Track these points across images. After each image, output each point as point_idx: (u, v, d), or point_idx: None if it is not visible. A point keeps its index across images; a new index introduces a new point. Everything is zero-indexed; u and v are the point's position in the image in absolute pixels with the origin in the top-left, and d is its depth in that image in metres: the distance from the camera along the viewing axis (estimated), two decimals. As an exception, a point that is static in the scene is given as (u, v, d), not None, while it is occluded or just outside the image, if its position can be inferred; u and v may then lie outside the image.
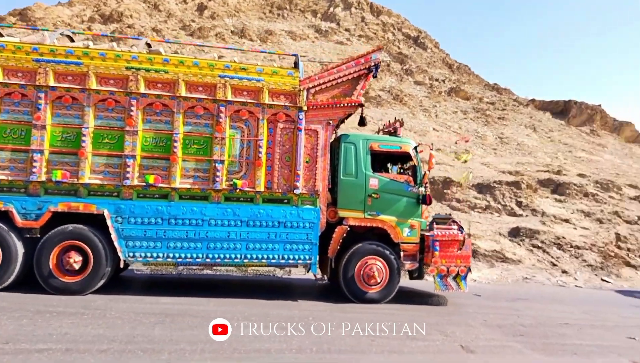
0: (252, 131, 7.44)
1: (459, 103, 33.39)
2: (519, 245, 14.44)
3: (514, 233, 15.07)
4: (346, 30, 40.95)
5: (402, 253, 7.79)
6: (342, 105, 7.75)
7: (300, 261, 7.42)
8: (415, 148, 8.08)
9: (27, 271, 6.84)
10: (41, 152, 6.79)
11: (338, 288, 7.76)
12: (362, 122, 8.39)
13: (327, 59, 30.27)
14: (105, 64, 7.05)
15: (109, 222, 6.86)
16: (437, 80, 36.70)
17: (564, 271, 13.18)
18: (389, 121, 8.82)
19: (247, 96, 7.42)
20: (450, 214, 10.71)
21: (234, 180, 7.28)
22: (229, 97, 7.32)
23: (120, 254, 6.90)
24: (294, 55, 8.47)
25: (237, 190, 7.25)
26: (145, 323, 5.56)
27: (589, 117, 39.25)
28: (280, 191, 7.41)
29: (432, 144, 9.38)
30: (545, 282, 12.13)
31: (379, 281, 7.61)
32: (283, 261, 7.38)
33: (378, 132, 9.19)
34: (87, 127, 6.91)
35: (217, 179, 7.20)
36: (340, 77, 7.72)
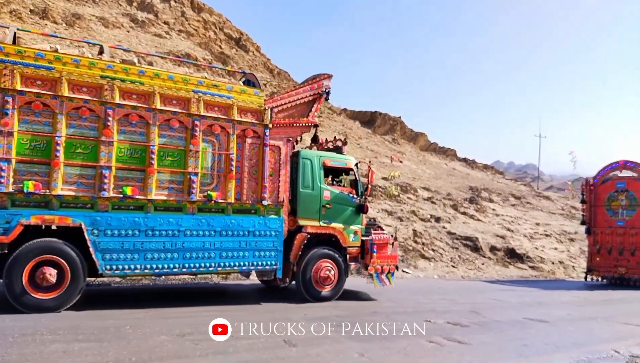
0: (223, 145, 7.88)
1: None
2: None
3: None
4: (165, 23, 39.50)
5: (348, 256, 8.98)
6: (300, 124, 8.63)
7: (267, 267, 8.10)
8: (357, 164, 9.36)
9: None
10: (8, 161, 6.35)
11: (297, 289, 8.61)
12: (315, 139, 9.37)
13: (145, 50, 29.39)
14: (79, 70, 6.85)
15: (86, 235, 6.71)
16: (257, 84, 38.21)
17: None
18: (335, 137, 9.94)
19: (219, 111, 7.85)
20: (374, 220, 12.23)
21: (209, 192, 7.65)
22: (202, 112, 7.66)
23: (98, 267, 6.79)
24: (244, 72, 9.10)
25: (212, 202, 7.64)
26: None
27: (391, 127, 45.55)
28: (249, 202, 8.00)
29: (370, 161, 10.74)
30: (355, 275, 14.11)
31: (332, 281, 8.69)
32: (252, 267, 7.99)
33: (314, 146, 10.21)
34: (60, 136, 6.65)
35: (193, 191, 7.50)
36: (298, 100, 8.60)
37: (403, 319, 7.45)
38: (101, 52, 7.97)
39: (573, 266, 19.89)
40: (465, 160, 52.54)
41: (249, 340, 5.70)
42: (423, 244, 17.35)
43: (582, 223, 17.23)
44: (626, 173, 16.61)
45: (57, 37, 8.52)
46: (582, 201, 17.37)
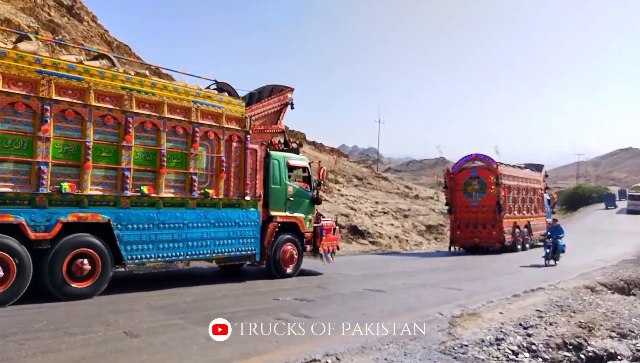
0: (214, 148, 9.15)
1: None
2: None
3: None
4: (-23, -19, 35.26)
5: (305, 240, 10.88)
6: (271, 130, 10.22)
7: (249, 252, 9.63)
8: (310, 163, 11.24)
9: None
10: (47, 164, 6.98)
11: (267, 269, 10.23)
12: (286, 144, 10.96)
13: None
14: (104, 82, 7.60)
15: (113, 229, 7.60)
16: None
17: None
18: (290, 140, 11.60)
19: (211, 119, 9.08)
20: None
21: (205, 189, 8.91)
22: (200, 120, 8.85)
23: (122, 257, 7.73)
24: (215, 81, 10.33)
25: (208, 198, 8.92)
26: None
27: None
28: (235, 197, 9.42)
29: (320, 161, 12.56)
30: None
31: (294, 261, 10.53)
32: (238, 253, 9.46)
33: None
34: (90, 141, 7.41)
35: (194, 188, 8.70)
36: (269, 109, 10.15)
37: (253, 300, 7.87)
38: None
39: (407, 240, 22.69)
40: (314, 143, 55.32)
41: (83, 335, 5.39)
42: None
43: (446, 204, 21.26)
44: (477, 163, 20.74)
45: (60, 43, 8.77)
46: (445, 187, 21.44)
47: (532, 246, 21.48)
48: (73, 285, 7.20)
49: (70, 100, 7.24)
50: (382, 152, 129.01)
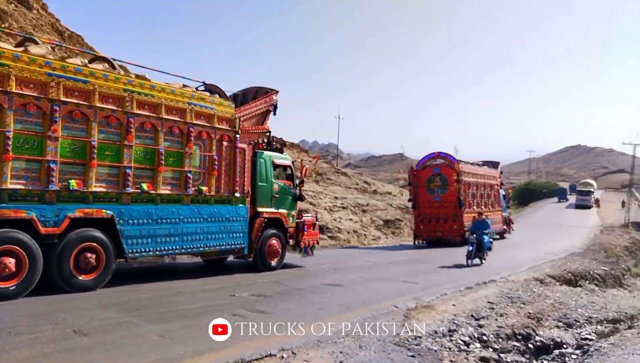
0: (207, 148, 9.66)
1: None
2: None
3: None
4: None
5: (288, 234, 11.53)
6: (258, 131, 10.81)
7: (238, 246, 10.19)
8: (293, 162, 11.90)
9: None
10: (56, 162, 7.35)
11: (254, 262, 10.83)
12: (270, 144, 11.53)
13: None
14: (107, 84, 8.00)
15: (116, 224, 8.04)
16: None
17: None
18: (274, 138, 12.17)
19: (204, 120, 9.58)
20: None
21: (199, 186, 9.42)
22: (194, 120, 9.35)
23: (124, 251, 8.17)
24: (204, 83, 10.80)
25: (202, 194, 9.43)
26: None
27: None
28: (225, 194, 9.96)
29: (302, 160, 13.17)
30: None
31: (279, 254, 11.18)
32: (228, 246, 10.01)
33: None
34: (95, 141, 7.81)
35: (188, 185, 9.21)
36: (256, 111, 10.74)
37: (209, 296, 7.82)
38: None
39: (365, 235, 23.22)
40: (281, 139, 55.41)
41: (30, 334, 5.26)
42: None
43: (410, 200, 22.34)
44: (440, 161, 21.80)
45: (62, 46, 8.99)
46: (409, 184, 22.53)
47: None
48: (80, 278, 7.63)
49: (77, 101, 7.62)
50: (342, 148, 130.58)
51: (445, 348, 6.01)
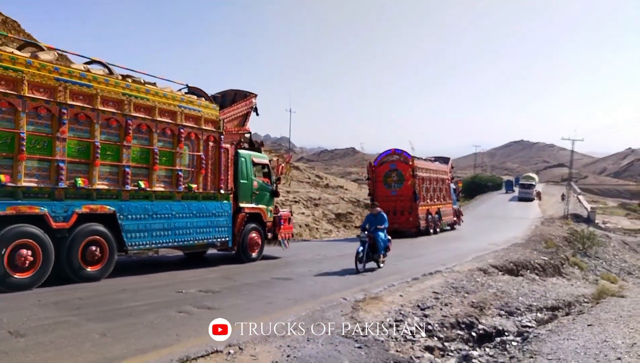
0: (195, 147, 10.39)
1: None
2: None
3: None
4: None
5: (266, 228, 12.43)
6: (239, 132, 11.63)
7: (223, 239, 10.97)
8: (270, 160, 12.79)
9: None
10: (64, 161, 7.94)
11: (237, 254, 11.65)
12: (251, 144, 12.35)
13: None
14: (108, 88, 8.63)
15: (118, 220, 8.69)
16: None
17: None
18: (256, 141, 12.97)
19: (192, 122, 10.30)
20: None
21: (189, 184, 10.16)
22: (184, 122, 10.07)
23: (125, 244, 8.84)
24: (187, 85, 11.49)
25: (191, 191, 10.18)
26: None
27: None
28: (212, 191, 10.74)
29: (278, 159, 14.00)
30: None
31: (259, 246, 12.06)
32: (214, 239, 10.79)
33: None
34: (97, 141, 8.44)
35: (180, 183, 9.93)
36: (238, 113, 11.56)
37: (154, 293, 7.74)
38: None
39: (317, 228, 23.60)
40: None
41: None
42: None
43: (369, 194, 23.60)
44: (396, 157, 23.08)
45: (62, 52, 9.40)
46: (368, 178, 23.80)
47: (442, 230, 24.64)
48: (88, 269, 8.27)
49: (82, 104, 8.23)
50: (295, 141, 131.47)
51: (392, 338, 6.17)
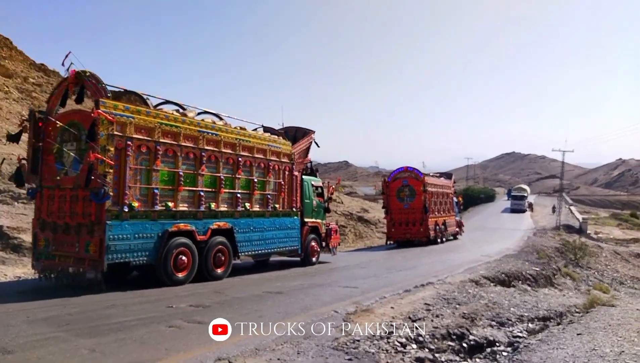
0: (277, 176, 13.74)
1: (-3, 80, 28.01)
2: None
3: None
4: None
5: (321, 238, 15.80)
6: (305, 162, 15.07)
7: (295, 247, 14.33)
8: (323, 183, 16.21)
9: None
10: (203, 191, 11.22)
11: (302, 260, 14.95)
12: (312, 170, 15.75)
13: None
14: (227, 135, 11.95)
15: (235, 233, 11.97)
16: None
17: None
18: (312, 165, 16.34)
19: (275, 156, 13.61)
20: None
21: (274, 204, 13.48)
22: (271, 157, 13.38)
23: (238, 252, 12.10)
24: (261, 126, 14.84)
25: (275, 210, 13.50)
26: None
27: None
28: (287, 209, 14.09)
29: (328, 181, 17.40)
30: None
31: (317, 253, 15.43)
32: (290, 248, 14.16)
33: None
34: (222, 176, 11.70)
35: (269, 204, 13.25)
36: (303, 147, 14.99)
37: (144, 308, 7.87)
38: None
39: None
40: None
41: None
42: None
43: (383, 207, 27.12)
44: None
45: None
46: (382, 193, 27.25)
47: (447, 240, 28.19)
48: (217, 270, 11.52)
49: (213, 148, 11.52)
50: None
51: (383, 350, 6.29)
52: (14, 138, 10.52)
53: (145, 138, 10.06)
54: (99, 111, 9.06)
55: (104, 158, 9.04)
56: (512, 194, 67.30)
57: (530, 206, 63.60)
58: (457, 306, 9.13)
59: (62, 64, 9.47)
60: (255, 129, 14.42)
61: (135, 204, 9.72)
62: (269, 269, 14.29)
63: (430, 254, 20.72)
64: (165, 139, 10.42)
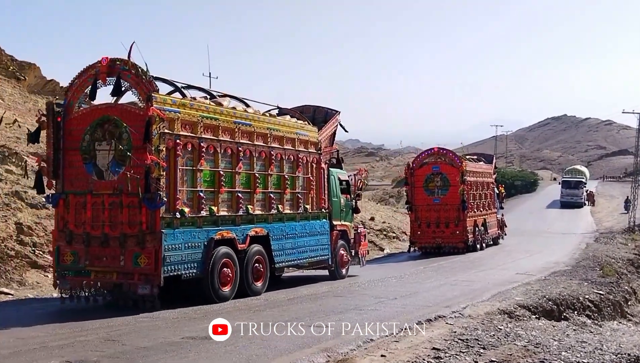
0: (305, 170, 17.62)
1: None
2: None
3: None
4: None
5: (350, 245, 19.44)
6: (332, 150, 18.64)
7: (325, 257, 18.46)
8: (349, 176, 19.76)
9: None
10: (240, 192, 14.67)
11: (332, 272, 18.61)
12: (338, 160, 19.25)
13: None
14: (259, 125, 15.78)
15: (271, 240, 15.40)
16: None
17: None
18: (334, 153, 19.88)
19: (303, 146, 17.74)
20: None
21: (304, 205, 17.03)
22: (299, 147, 17.17)
23: (274, 259, 15.65)
24: (277, 106, 18.22)
25: (306, 212, 17.14)
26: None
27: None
28: (317, 210, 18.08)
29: (354, 175, 20.91)
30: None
31: (347, 263, 19.06)
32: (320, 258, 18.24)
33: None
34: (257, 173, 15.16)
35: (300, 204, 17.03)
36: (329, 132, 18.77)
37: None
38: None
39: None
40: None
41: None
42: (34, 245, 17.80)
43: (406, 202, 29.94)
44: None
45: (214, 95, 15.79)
46: (405, 183, 30.34)
47: (487, 246, 30.55)
48: (257, 284, 15.14)
49: (247, 141, 15.36)
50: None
51: None
52: (33, 138, 13.31)
53: (190, 134, 13.56)
54: (154, 108, 12.18)
55: (159, 160, 12.34)
56: (563, 179, 67.50)
57: (591, 197, 63.62)
58: (482, 350, 9.42)
59: (128, 57, 12.51)
60: (269, 111, 17.59)
61: (186, 210, 13.30)
62: (290, 284, 17.53)
63: (453, 270, 22.53)
64: (206, 134, 14.11)
